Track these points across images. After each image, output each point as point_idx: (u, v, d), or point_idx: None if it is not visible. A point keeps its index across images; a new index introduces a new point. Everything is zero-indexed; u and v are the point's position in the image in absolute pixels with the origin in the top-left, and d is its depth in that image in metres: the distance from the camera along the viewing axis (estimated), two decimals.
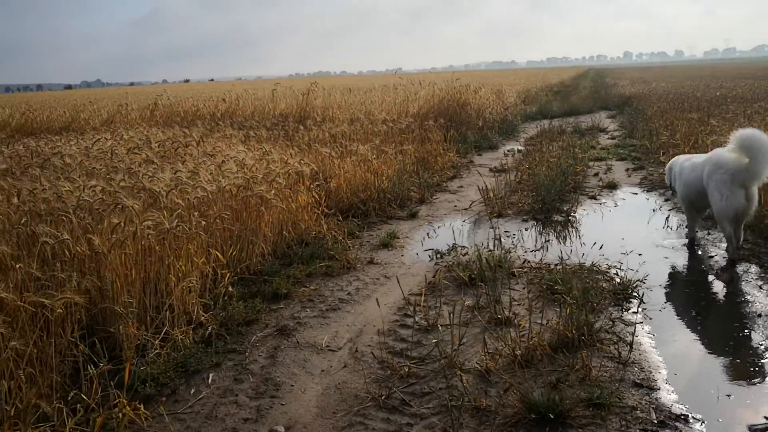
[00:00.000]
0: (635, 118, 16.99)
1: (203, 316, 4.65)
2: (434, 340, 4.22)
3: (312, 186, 7.30)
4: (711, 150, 6.23)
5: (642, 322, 4.35)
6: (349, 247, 6.66)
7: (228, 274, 5.09)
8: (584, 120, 18.92)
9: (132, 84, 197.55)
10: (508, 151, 13.64)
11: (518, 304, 4.81)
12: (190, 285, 4.65)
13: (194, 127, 13.20)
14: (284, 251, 6.41)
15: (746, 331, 4.29)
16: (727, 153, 5.68)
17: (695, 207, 6.29)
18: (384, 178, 8.66)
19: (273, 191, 6.30)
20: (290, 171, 7.04)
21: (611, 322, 4.40)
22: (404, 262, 6.22)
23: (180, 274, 4.70)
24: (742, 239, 5.80)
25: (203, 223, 5.13)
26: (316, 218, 7.06)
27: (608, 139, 14.98)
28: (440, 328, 4.47)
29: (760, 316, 4.49)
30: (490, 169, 11.24)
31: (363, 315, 4.91)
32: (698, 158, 6.21)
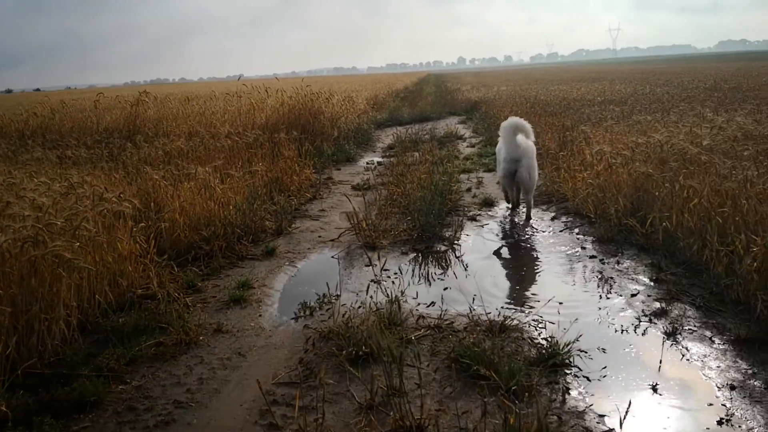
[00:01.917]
0: (489, 124, 16.44)
1: None
2: None
3: (136, 228, 5.61)
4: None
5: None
6: (189, 307, 5.09)
7: None
8: (438, 126, 18.29)
9: None
10: (368, 163, 12.46)
11: (427, 394, 3.52)
12: None
13: None
14: (97, 323, 4.73)
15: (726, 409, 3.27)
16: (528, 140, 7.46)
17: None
18: (231, 207, 7.10)
19: (78, 243, 4.62)
20: (105, 210, 5.35)
21: (558, 420, 3.21)
22: (263, 327, 4.75)
23: None
24: (532, 205, 7.53)
25: None
26: (143, 270, 5.41)
27: (468, 147, 14.23)
28: None
29: (733, 388, 3.50)
30: (353, 187, 9.97)
31: (210, 427, 3.41)
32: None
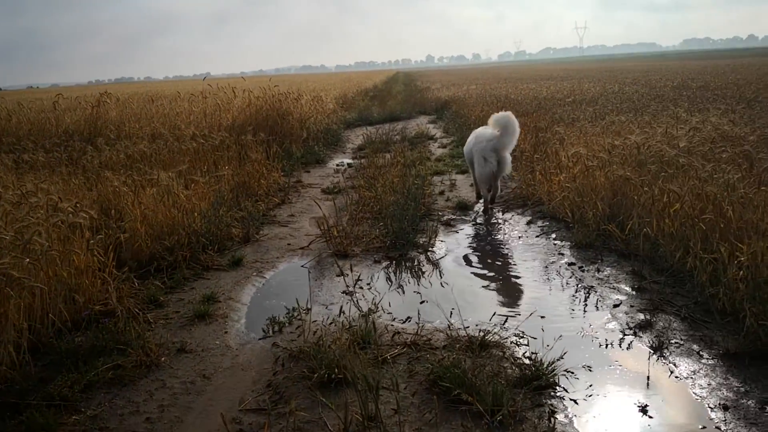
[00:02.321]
0: (460, 124, 16.26)
1: None
2: None
3: (93, 240, 5.27)
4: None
5: None
6: (151, 324, 4.80)
7: None
8: (408, 126, 18.06)
9: None
10: (339, 165, 12.20)
11: (406, 421, 3.29)
12: None
13: None
14: (51, 344, 4.40)
15: None
16: (485, 129, 7.91)
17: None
18: (196, 214, 6.80)
19: (28, 259, 4.30)
20: (60, 221, 5.02)
21: None
22: (229, 345, 4.48)
23: None
24: (500, 190, 8.15)
25: None
26: (101, 284, 5.09)
27: (439, 147, 14.02)
28: None
29: (726, 408, 3.33)
30: (323, 190, 9.71)
31: None
32: (471, 135, 8.32)
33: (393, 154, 11.07)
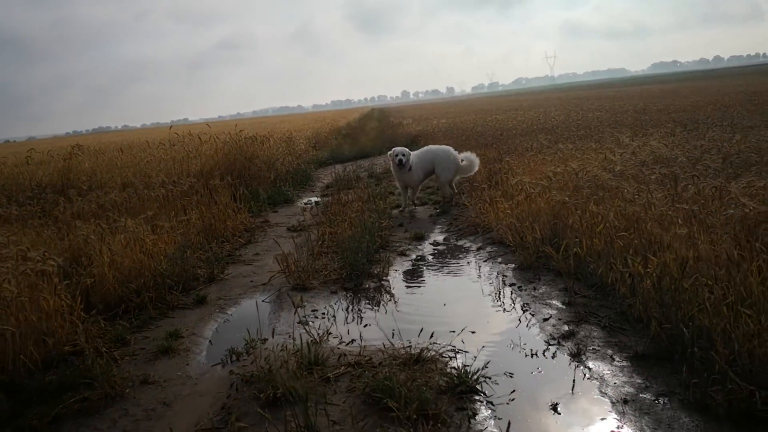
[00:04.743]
0: None
1: None
2: None
3: (60, 286, 5.63)
4: None
5: None
6: (117, 361, 5.15)
7: None
8: (376, 162, 18.57)
9: None
10: (306, 204, 12.63)
11: (342, 430, 3.68)
12: None
13: None
14: (22, 383, 4.74)
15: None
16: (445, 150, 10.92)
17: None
18: (162, 257, 7.17)
19: None
20: (28, 269, 5.39)
21: None
22: (190, 375, 4.84)
23: None
24: (449, 194, 10.77)
25: None
26: (70, 327, 5.44)
27: None
28: None
29: (626, 402, 3.76)
30: (288, 228, 10.12)
31: None
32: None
33: (354, 191, 11.52)
